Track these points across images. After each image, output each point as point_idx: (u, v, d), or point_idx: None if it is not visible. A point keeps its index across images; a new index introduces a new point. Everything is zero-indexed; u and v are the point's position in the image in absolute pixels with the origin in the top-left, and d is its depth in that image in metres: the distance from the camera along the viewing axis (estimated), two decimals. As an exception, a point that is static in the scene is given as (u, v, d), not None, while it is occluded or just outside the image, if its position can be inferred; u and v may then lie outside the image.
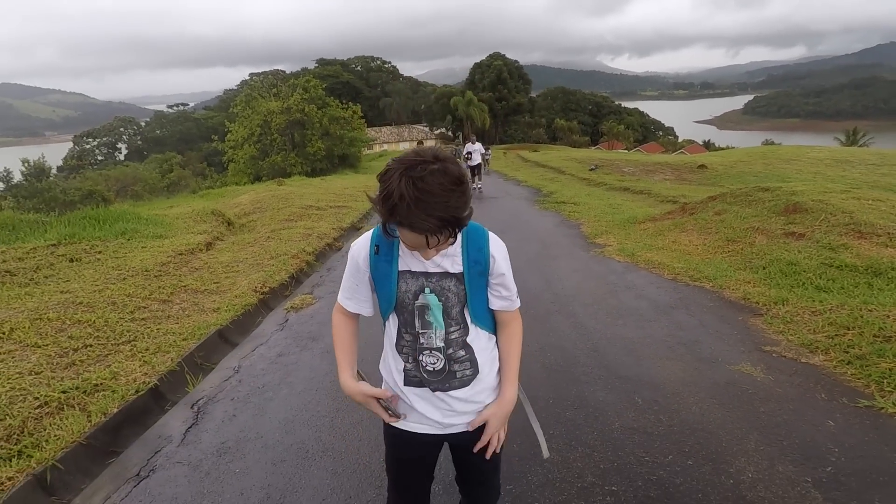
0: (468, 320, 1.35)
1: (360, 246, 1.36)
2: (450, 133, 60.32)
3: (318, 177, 23.23)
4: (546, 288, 5.12)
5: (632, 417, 2.73)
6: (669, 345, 3.63)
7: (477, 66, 67.93)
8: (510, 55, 70.05)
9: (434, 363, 1.33)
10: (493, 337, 1.42)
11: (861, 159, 24.22)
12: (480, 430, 1.39)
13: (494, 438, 1.38)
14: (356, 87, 72.64)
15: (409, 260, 1.30)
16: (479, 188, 14.37)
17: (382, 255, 1.31)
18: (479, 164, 14.81)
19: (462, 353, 1.35)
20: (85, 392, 3.00)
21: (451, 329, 1.33)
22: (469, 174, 14.07)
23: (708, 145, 68.70)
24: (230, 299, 4.87)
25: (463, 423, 1.40)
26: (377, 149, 57.51)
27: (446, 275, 1.29)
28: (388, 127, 67.86)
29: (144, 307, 4.46)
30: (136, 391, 3.10)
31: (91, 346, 3.62)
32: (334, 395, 3.21)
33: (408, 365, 1.37)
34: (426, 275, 1.29)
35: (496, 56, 66.78)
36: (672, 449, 2.45)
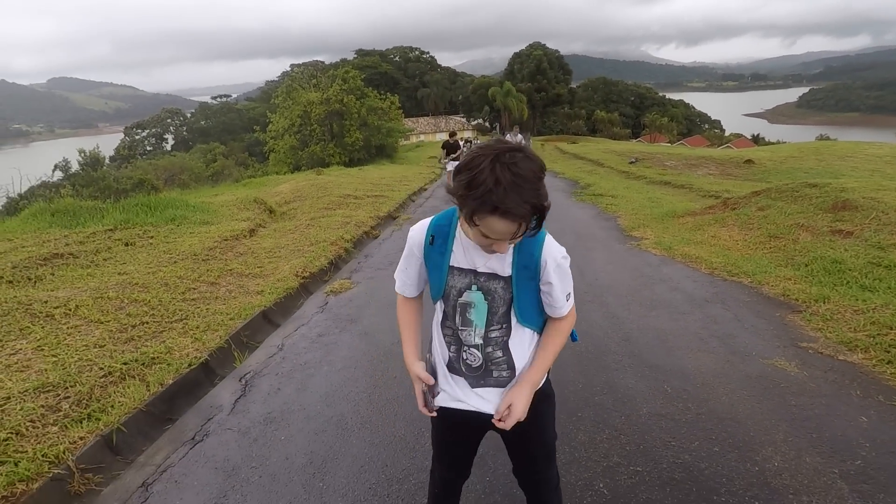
0: (513, 321, 1.34)
1: (417, 232, 1.38)
2: (487, 124, 60.00)
3: (356, 167, 23.63)
4: (579, 278, 5.16)
5: (660, 404, 2.78)
6: (702, 337, 3.63)
7: (516, 55, 67.19)
8: (550, 45, 68.96)
9: (473, 360, 1.35)
10: (537, 337, 1.41)
11: (925, 156, 22.81)
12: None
13: (517, 418, 1.35)
14: (394, 78, 73.11)
15: (460, 256, 1.31)
16: None
17: (437, 246, 1.32)
18: None
19: (500, 354, 1.35)
20: (143, 364, 3.26)
21: (493, 328, 1.33)
22: None
23: (757, 139, 65.95)
24: (273, 282, 5.11)
25: (474, 407, 1.42)
26: (413, 139, 57.87)
27: (494, 276, 1.29)
28: (426, 118, 68.07)
29: (194, 288, 4.75)
30: (189, 365, 3.34)
31: (147, 323, 3.90)
32: (372, 373, 3.38)
33: (451, 353, 1.40)
34: (474, 273, 1.29)
35: (536, 46, 65.87)
36: (699, 436, 2.50)
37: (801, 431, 2.46)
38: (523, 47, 67.98)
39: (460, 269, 1.30)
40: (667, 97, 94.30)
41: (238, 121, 71.85)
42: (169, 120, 77.42)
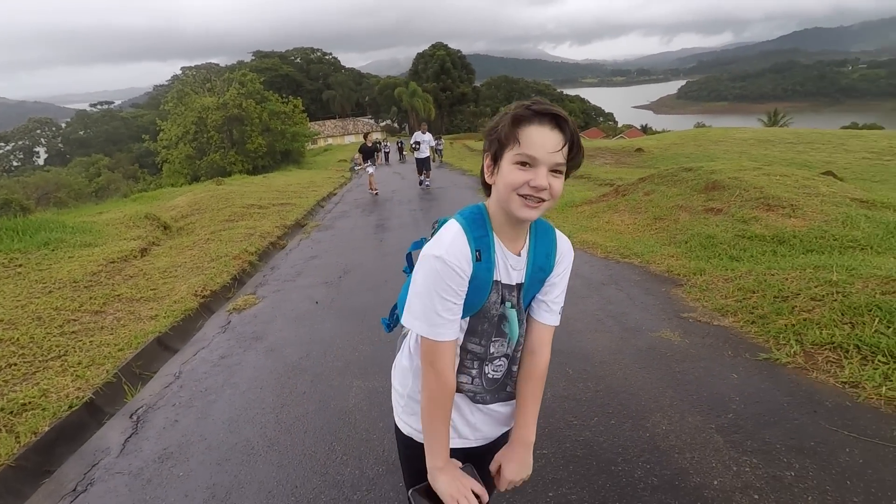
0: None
1: (458, 252, 1.08)
2: (395, 124, 59.90)
3: (260, 174, 22.59)
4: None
5: (563, 387, 2.93)
6: (599, 318, 3.87)
7: (420, 56, 67.63)
8: (455, 44, 70.32)
9: (496, 372, 1.22)
10: None
11: (780, 138, 26.03)
12: (494, 442, 1.31)
13: (511, 482, 1.23)
14: (297, 80, 70.68)
15: (502, 268, 1.14)
16: (427, 185, 13.19)
17: (484, 261, 1.10)
18: (427, 158, 13.31)
19: (517, 368, 1.25)
20: (11, 413, 2.90)
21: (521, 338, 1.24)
22: (418, 166, 13.12)
23: (646, 129, 71.56)
24: (169, 305, 4.78)
25: (482, 438, 1.29)
26: (321, 143, 56.32)
27: (519, 287, 1.17)
28: (333, 120, 66.55)
29: (75, 320, 4.30)
30: (70, 407, 3.01)
31: (16, 364, 3.48)
32: (279, 391, 3.25)
33: (472, 374, 1.21)
34: (508, 286, 1.15)
35: (439, 46, 66.73)
36: (598, 412, 2.66)
37: (684, 394, 2.71)
38: (426, 48, 68.55)
39: (497, 283, 1.13)
40: (564, 93, 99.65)
41: (124, 130, 65.88)
42: (38, 131, 69.28)
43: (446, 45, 67.01)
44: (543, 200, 1.02)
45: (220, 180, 17.74)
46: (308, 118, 35.58)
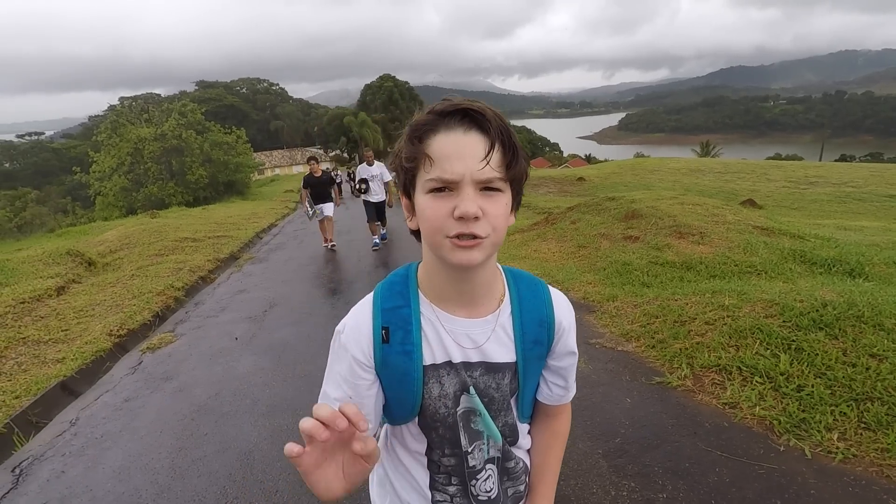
0: (516, 421, 0.92)
1: (355, 331, 0.83)
2: (345, 154, 59.84)
3: (201, 206, 21.92)
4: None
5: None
6: (514, 347, 3.95)
7: (367, 87, 68.37)
8: (408, 76, 71.79)
9: (490, 489, 0.91)
10: (528, 425, 0.99)
11: (710, 168, 27.86)
12: None
13: None
14: (242, 111, 69.80)
15: (435, 344, 0.82)
16: (379, 243, 8.82)
17: (396, 342, 0.81)
18: (384, 203, 8.70)
19: (513, 464, 0.94)
20: None
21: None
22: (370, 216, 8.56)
23: (589, 159, 74.78)
24: (79, 347, 4.56)
25: None
26: (268, 173, 55.42)
27: (493, 367, 0.84)
28: (280, 150, 65.82)
29: (-34, 367, 4.00)
30: (-56, 463, 2.78)
31: None
32: (180, 434, 3.12)
33: (439, 497, 0.91)
34: (466, 366, 0.83)
35: (387, 77, 67.72)
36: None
37: (579, 420, 2.79)
38: (374, 79, 69.48)
39: (443, 366, 0.82)
40: (512, 124, 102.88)
41: (55, 161, 62.64)
42: (-44, 163, 64.71)
43: (394, 76, 68.11)
44: (480, 237, 0.70)
45: (154, 213, 17.10)
46: (253, 148, 35.03)
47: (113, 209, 25.88)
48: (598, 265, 5.84)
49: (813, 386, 2.70)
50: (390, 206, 8.95)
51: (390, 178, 8.59)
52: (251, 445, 2.90)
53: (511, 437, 0.91)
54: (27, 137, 74.02)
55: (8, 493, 2.70)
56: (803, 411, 2.58)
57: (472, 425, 0.85)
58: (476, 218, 0.68)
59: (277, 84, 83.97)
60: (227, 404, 3.46)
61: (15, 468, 2.94)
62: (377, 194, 8.64)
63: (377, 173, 8.63)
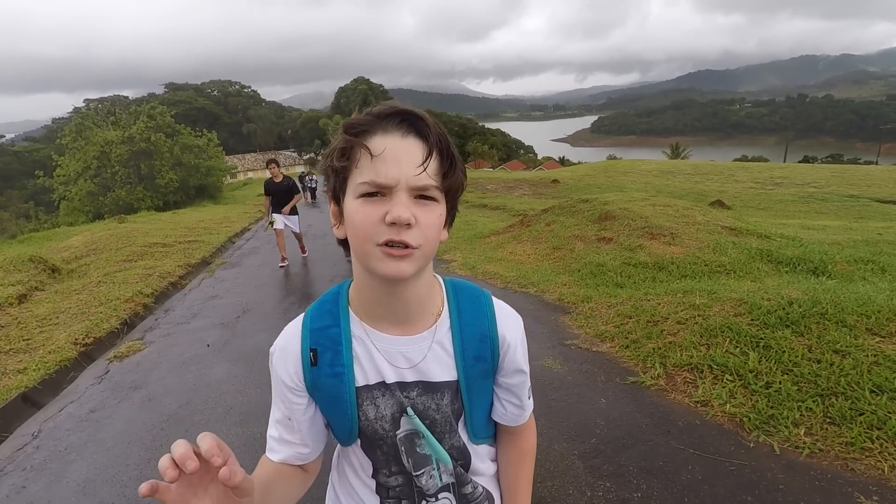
0: (465, 443, 0.86)
1: (283, 353, 0.81)
2: (319, 157, 59.39)
3: (171, 210, 21.40)
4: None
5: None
6: (490, 350, 3.96)
7: (342, 90, 68.05)
8: (383, 79, 72.10)
9: None
10: (493, 447, 0.93)
11: (680, 170, 28.54)
12: None
13: None
14: (214, 113, 68.57)
15: (367, 364, 0.79)
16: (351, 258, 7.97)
17: (325, 364, 0.78)
18: None
19: (470, 488, 0.87)
20: None
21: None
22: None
23: (563, 161, 75.80)
24: (41, 356, 4.39)
25: None
26: (241, 177, 54.51)
27: (431, 387, 0.79)
28: (253, 154, 64.84)
29: (-84, 381, 3.80)
30: None
31: None
32: (149, 444, 3.02)
33: None
34: (402, 386, 0.79)
35: (361, 80, 67.53)
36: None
37: (555, 422, 2.81)
38: (349, 82, 69.18)
39: (377, 387, 0.78)
40: (486, 127, 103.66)
41: (16, 165, 60.47)
42: None
43: (368, 79, 67.99)
44: (412, 246, 0.66)
45: (122, 218, 16.61)
46: (225, 152, 34.38)
47: (79, 214, 25.04)
48: (572, 266, 5.90)
49: (780, 382, 2.77)
50: None
51: None
52: (223, 456, 2.82)
53: (461, 459, 0.85)
54: (-15, 140, 71.21)
55: (-37, 513, 2.58)
56: (772, 408, 2.65)
57: (418, 449, 0.81)
58: (408, 225, 0.65)
59: (250, 87, 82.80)
60: (198, 413, 3.37)
61: (-30, 487, 2.80)
62: None
63: None
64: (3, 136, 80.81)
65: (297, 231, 8.24)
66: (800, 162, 58.39)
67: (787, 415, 2.57)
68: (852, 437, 2.34)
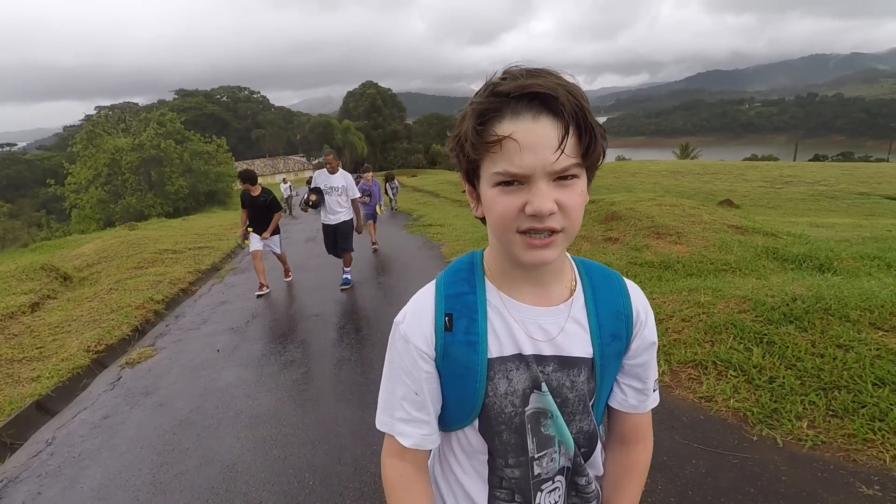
0: (596, 427, 0.81)
1: (416, 316, 0.76)
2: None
3: (181, 217, 21.65)
4: (392, 311, 5.33)
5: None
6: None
7: (350, 94, 68.35)
8: (392, 82, 72.03)
9: (557, 502, 0.81)
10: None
11: (689, 170, 28.40)
12: None
13: None
14: (223, 119, 69.25)
15: (503, 334, 0.74)
16: (349, 284, 6.47)
17: (459, 330, 0.74)
18: (346, 224, 6.38)
19: (584, 481, 0.82)
20: None
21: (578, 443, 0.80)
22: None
23: (571, 162, 75.31)
24: (55, 364, 4.47)
25: None
26: (251, 183, 54.90)
27: (568, 362, 0.74)
28: (262, 159, 65.36)
29: (-65, 389, 3.91)
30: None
31: None
32: (161, 449, 3.08)
33: None
34: (538, 359, 0.73)
35: (369, 84, 67.78)
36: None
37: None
38: (357, 86, 69.51)
39: (512, 359, 0.73)
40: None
41: (28, 173, 61.37)
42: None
43: (376, 83, 68.21)
44: (556, 231, 0.63)
45: (133, 225, 16.84)
46: (234, 157, 34.74)
47: (90, 222, 25.42)
48: (578, 267, 5.91)
49: (784, 377, 2.79)
50: (359, 233, 6.65)
51: (358, 195, 6.53)
52: (234, 458, 2.88)
53: (587, 446, 0.80)
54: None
55: (-17, 514, 2.66)
56: (775, 402, 2.66)
57: (543, 429, 0.75)
58: (549, 213, 0.62)
59: (259, 92, 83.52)
60: (209, 417, 3.43)
61: (-11, 490, 2.88)
62: (336, 213, 6.28)
63: (339, 185, 6.25)
64: (16, 145, 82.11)
65: (279, 252, 6.94)
66: (810, 160, 57.85)
67: (790, 408, 2.58)
68: (854, 429, 2.35)
